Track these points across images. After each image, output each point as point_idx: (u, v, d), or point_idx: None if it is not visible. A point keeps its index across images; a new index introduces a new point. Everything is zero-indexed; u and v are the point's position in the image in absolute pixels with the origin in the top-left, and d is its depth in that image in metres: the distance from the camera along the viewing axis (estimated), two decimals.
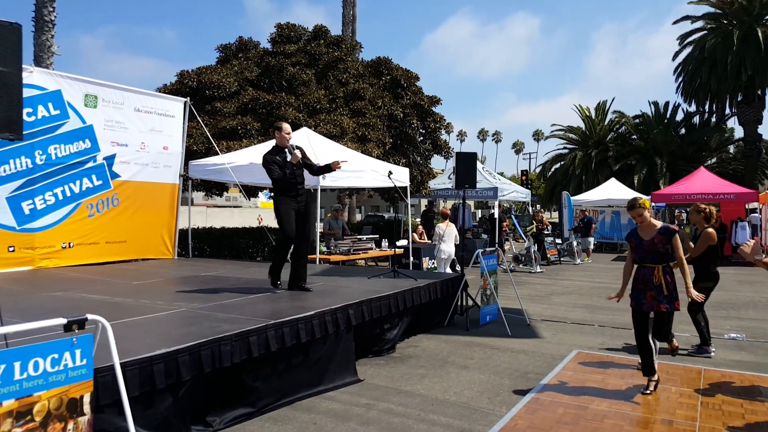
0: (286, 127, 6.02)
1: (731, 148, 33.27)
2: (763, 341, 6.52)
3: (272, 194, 6.22)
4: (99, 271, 7.72)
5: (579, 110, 34.40)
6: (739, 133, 31.23)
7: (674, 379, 5.06)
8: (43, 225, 7.83)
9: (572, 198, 20.56)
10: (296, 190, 5.94)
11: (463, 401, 4.50)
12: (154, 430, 3.28)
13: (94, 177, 8.40)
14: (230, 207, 41.22)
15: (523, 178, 25.58)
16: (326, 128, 12.45)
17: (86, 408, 2.60)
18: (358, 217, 30.83)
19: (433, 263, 11.29)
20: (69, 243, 8.16)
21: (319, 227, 12.93)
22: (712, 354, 5.91)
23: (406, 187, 10.68)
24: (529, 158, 60.38)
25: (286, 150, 5.94)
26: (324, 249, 10.59)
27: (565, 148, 34.77)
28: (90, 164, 8.31)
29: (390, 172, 8.12)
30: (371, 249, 11.18)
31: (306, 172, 6.20)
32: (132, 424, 2.68)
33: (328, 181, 9.07)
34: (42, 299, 5.42)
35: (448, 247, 10.66)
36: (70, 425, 2.53)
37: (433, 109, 15.43)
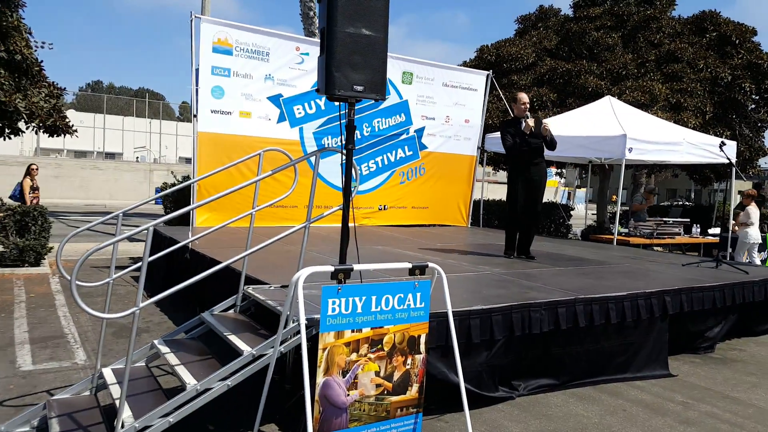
0: (523, 97, 5.97)
1: None
2: None
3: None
4: (407, 232, 8.64)
5: None
6: None
7: None
8: (366, 189, 9.11)
9: None
10: (528, 159, 5.83)
11: None
12: (469, 381, 3.50)
13: (406, 148, 9.37)
14: None
15: None
16: (633, 96, 11.33)
17: (422, 347, 2.91)
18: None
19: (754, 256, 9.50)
20: (384, 206, 9.33)
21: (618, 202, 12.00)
22: None
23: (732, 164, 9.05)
24: None
25: (522, 120, 5.82)
26: (623, 230, 9.79)
27: None
28: (404, 136, 9.29)
29: (722, 143, 6.94)
30: (679, 234, 9.89)
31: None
32: (460, 366, 2.90)
33: (634, 154, 8.28)
34: (371, 252, 6.30)
35: (756, 232, 9.39)
36: (409, 360, 2.87)
37: None
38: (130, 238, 2.97)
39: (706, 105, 11.85)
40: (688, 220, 10.19)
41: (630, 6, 13.63)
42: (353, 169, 3.37)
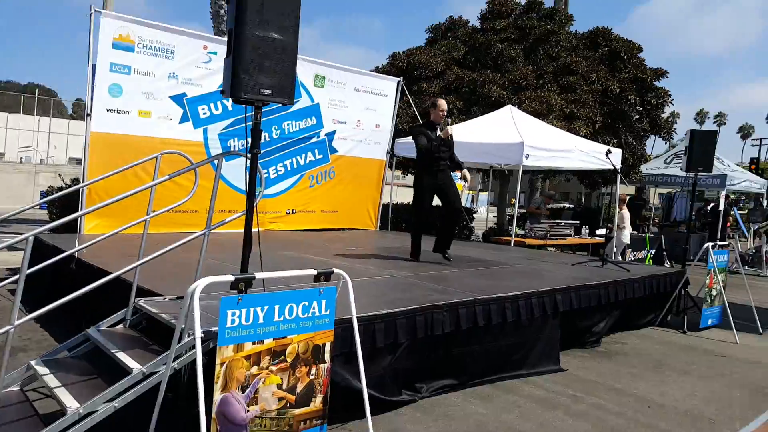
0: (442, 104, 6.05)
1: None
2: None
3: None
4: (316, 237, 8.59)
5: None
6: None
7: None
8: (274, 192, 8.95)
9: None
10: (438, 165, 5.92)
11: (686, 409, 4.05)
12: (372, 387, 3.53)
13: (316, 151, 9.32)
14: None
15: (752, 167, 21.84)
16: (531, 105, 12.01)
17: (327, 356, 2.91)
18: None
19: (635, 255, 10.56)
20: (292, 210, 9.22)
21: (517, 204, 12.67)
22: None
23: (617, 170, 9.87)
24: (760, 145, 51.17)
25: (438, 127, 5.96)
26: (519, 231, 10.35)
27: None
28: (314, 139, 9.24)
29: (609, 151, 7.55)
30: (570, 235, 10.61)
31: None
32: (363, 373, 2.93)
33: (531, 160, 8.78)
34: (277, 258, 6.19)
35: (627, 233, 10.72)
36: (313, 370, 2.86)
37: (656, 83, 13.87)
38: (10, 248, 2.71)
39: (596, 115, 12.80)
40: (578, 222, 10.95)
41: (532, 20, 14.45)
42: (258, 173, 3.31)
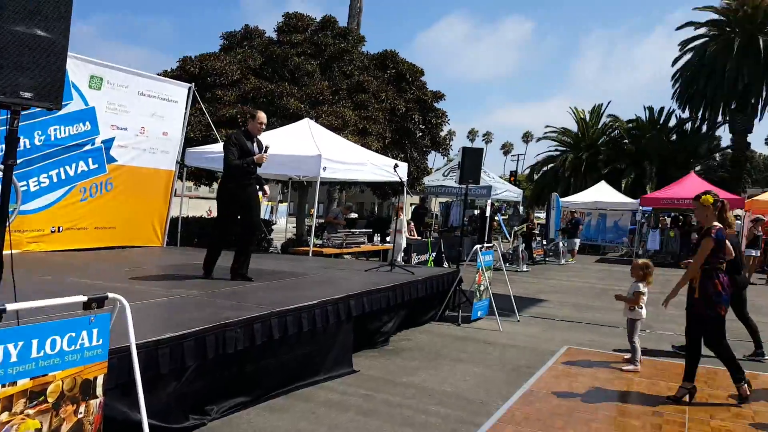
0: (261, 116, 5.94)
1: (717, 156, 33.73)
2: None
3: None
4: (88, 257, 7.68)
5: (574, 113, 34.58)
6: (725, 141, 31.77)
7: (662, 374, 5.19)
8: (35, 208, 7.69)
9: (561, 200, 20.78)
10: (248, 179, 5.82)
11: (460, 393, 4.58)
12: (154, 416, 3.26)
13: (90, 160, 8.31)
14: (214, 198, 40.82)
15: (512, 179, 25.81)
16: (328, 120, 12.45)
17: (99, 390, 2.62)
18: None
19: (419, 258, 11.67)
20: (58, 227, 8.03)
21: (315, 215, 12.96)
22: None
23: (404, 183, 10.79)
24: (518, 160, 60.77)
25: (255, 143, 5.87)
26: (318, 241, 10.64)
27: (556, 150, 34.98)
28: (87, 147, 8.22)
29: (396, 165, 8.19)
30: (363, 243, 11.24)
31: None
32: (144, 408, 2.71)
33: (328, 173, 9.11)
34: (38, 284, 5.38)
35: (402, 237, 11.72)
36: (82, 408, 2.55)
37: (436, 104, 15.50)
38: None
39: (386, 131, 13.81)
40: (371, 230, 11.68)
41: (327, 37, 14.99)
42: (14, 186, 2.87)
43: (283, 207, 28.29)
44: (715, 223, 4.43)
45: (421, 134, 15.76)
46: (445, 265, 12.89)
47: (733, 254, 4.87)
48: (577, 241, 18.88)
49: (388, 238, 11.77)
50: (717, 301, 4.34)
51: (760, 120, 28.22)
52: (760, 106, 27.75)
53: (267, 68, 14.14)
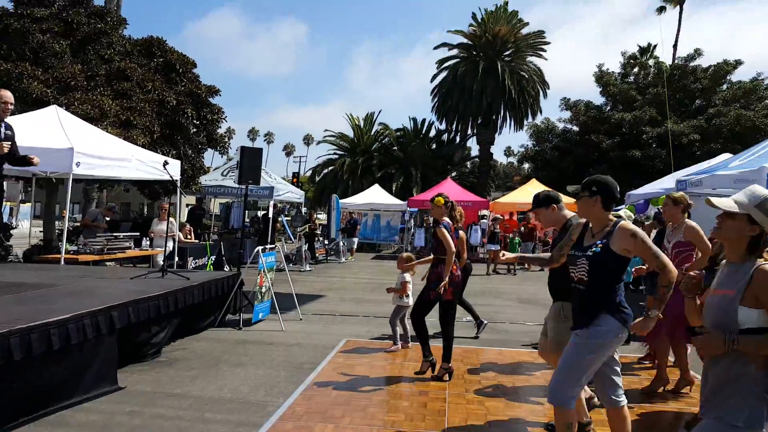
0: (6, 95, 5.17)
1: (468, 164, 39.04)
2: (491, 323, 7.85)
3: None
4: None
5: (350, 119, 36.51)
6: (474, 151, 36.90)
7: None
8: None
9: (340, 201, 21.77)
10: None
11: (240, 397, 4.45)
12: None
13: None
14: None
15: (294, 180, 26.18)
16: (82, 108, 10.95)
17: None
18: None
19: (196, 262, 11.02)
20: None
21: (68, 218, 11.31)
22: None
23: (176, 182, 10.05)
24: (299, 161, 62.06)
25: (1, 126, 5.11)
26: (72, 248, 9.32)
27: (335, 153, 36.53)
28: None
29: (166, 162, 7.55)
30: (130, 248, 10.18)
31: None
32: None
33: (83, 169, 8.02)
34: None
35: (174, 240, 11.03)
36: None
37: (211, 99, 14.77)
38: None
39: (154, 125, 12.71)
40: (138, 233, 10.63)
41: (80, 15, 13.17)
42: None
43: (25, 208, 24.11)
44: (445, 219, 5.25)
45: (195, 130, 14.93)
46: (226, 268, 12.44)
47: (451, 245, 5.26)
48: (356, 240, 20.01)
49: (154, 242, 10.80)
50: (434, 287, 5.06)
51: (499, 134, 33.55)
52: (499, 123, 32.92)
53: (2, 44, 11.89)
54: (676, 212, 4.76)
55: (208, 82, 14.93)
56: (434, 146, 35.38)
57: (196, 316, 6.58)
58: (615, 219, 3.07)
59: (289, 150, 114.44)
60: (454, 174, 35.13)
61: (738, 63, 26.60)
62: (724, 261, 2.30)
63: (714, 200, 2.16)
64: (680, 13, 33.63)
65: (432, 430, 3.89)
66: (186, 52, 14.70)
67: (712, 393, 2.17)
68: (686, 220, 4.75)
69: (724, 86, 26.90)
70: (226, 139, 15.94)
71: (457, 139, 35.21)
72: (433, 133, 35.47)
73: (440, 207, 5.23)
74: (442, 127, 34.70)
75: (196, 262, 10.80)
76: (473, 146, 36.80)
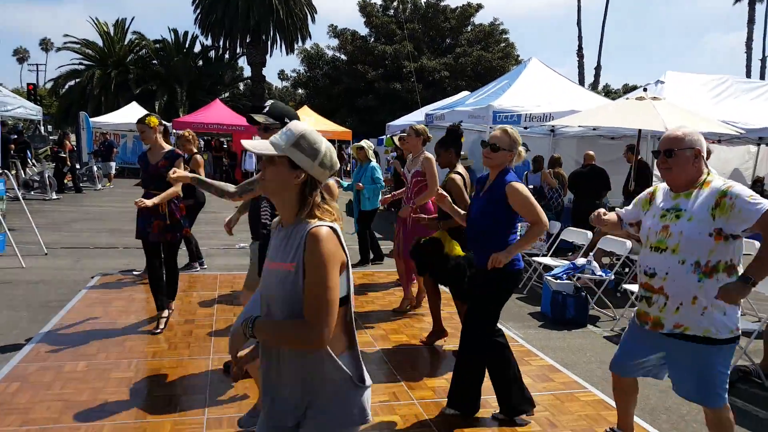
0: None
1: (241, 85, 37.49)
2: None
3: None
4: None
5: (96, 24, 31.50)
6: (247, 72, 35.45)
7: (195, 286, 5.82)
8: None
9: (91, 120, 19.24)
10: None
11: None
12: None
13: None
14: None
15: (30, 87, 22.02)
16: None
17: None
18: None
19: None
20: None
21: None
22: (198, 268, 6.64)
23: None
24: (37, 70, 51.94)
25: None
26: None
27: (81, 63, 31.48)
28: None
29: None
30: None
31: None
32: None
33: None
34: None
35: None
36: None
37: None
38: None
39: None
40: None
41: None
42: None
43: None
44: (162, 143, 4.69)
45: None
46: None
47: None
48: (114, 164, 18.03)
49: None
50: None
51: (270, 56, 32.60)
52: (269, 44, 31.91)
53: None
54: (417, 143, 5.30)
55: None
56: (201, 63, 32.99)
57: None
58: None
59: (21, 55, 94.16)
60: (226, 95, 33.47)
61: (480, 6, 30.05)
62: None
63: (246, 143, 1.65)
64: None
65: (200, 356, 4.02)
66: None
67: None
68: (425, 152, 5.34)
69: (469, 27, 30.31)
70: None
71: (226, 57, 33.32)
72: (198, 48, 32.89)
73: (153, 128, 4.57)
74: (209, 42, 32.32)
75: None
76: (246, 68, 35.31)
